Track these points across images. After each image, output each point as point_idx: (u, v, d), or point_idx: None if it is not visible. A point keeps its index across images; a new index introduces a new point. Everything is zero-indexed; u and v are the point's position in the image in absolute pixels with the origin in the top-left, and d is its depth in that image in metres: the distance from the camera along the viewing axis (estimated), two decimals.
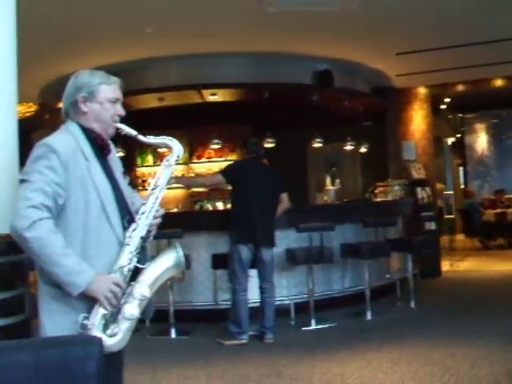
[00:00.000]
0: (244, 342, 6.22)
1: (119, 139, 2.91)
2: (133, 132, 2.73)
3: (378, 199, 10.30)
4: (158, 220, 2.73)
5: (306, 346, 6.08)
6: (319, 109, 10.58)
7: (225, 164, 12.27)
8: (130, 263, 2.56)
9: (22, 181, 2.49)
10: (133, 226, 2.62)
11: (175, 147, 2.78)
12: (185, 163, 12.33)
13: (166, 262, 2.68)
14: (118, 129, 2.72)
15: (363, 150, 12.49)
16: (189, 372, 5.37)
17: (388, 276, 8.58)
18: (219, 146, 11.90)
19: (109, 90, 2.70)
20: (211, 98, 9.55)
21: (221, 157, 12.42)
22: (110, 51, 8.41)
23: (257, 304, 6.51)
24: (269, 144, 11.10)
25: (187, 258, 6.57)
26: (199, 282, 7.38)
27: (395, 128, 11.62)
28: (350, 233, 8.07)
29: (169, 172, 2.75)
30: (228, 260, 6.37)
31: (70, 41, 7.72)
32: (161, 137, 2.78)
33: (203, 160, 12.59)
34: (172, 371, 5.42)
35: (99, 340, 1.83)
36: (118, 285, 2.50)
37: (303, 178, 13.42)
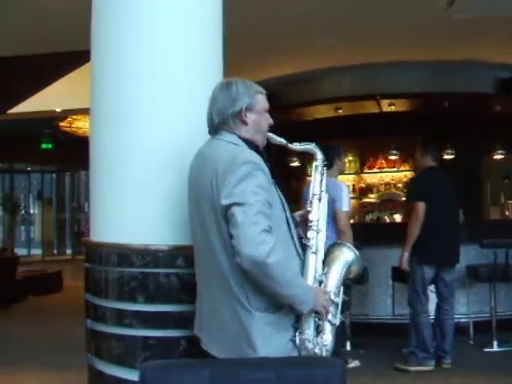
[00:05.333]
0: (431, 368, 5.78)
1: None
2: (283, 141, 2.76)
3: None
4: None
5: (491, 372, 5.71)
6: (501, 119, 10.10)
7: (396, 175, 12.19)
8: (322, 272, 2.60)
9: (234, 204, 2.36)
10: (311, 233, 2.64)
11: (317, 151, 2.80)
12: (356, 173, 12.25)
13: (343, 261, 2.69)
14: (267, 138, 2.74)
15: None
16: None
17: None
18: (397, 157, 11.70)
19: (264, 99, 2.68)
20: (388, 108, 9.43)
21: (393, 167, 12.19)
22: (286, 63, 8.55)
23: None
24: (448, 155, 10.74)
25: (365, 270, 6.50)
26: (375, 294, 7.28)
27: None
28: None
29: (321, 176, 2.78)
30: (408, 280, 6.02)
31: (248, 51, 7.91)
32: (304, 143, 2.82)
33: (374, 170, 12.43)
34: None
35: (342, 362, 1.82)
36: (326, 293, 2.55)
37: (478, 190, 12.84)
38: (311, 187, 2.78)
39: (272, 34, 7.31)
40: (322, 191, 2.75)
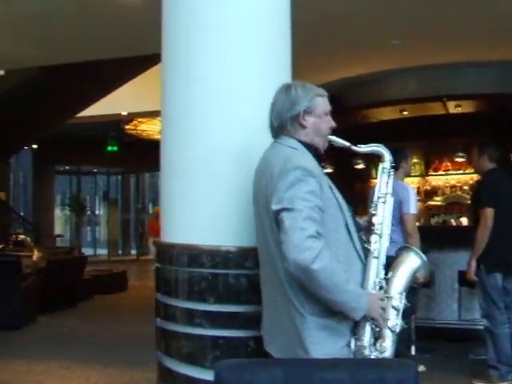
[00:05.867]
0: (510, 382, 5.39)
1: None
2: (346, 143, 2.69)
3: None
4: None
5: None
6: None
7: (462, 177, 11.97)
8: (383, 277, 2.55)
9: (284, 209, 2.38)
10: (373, 237, 2.60)
11: (385, 153, 2.72)
12: (421, 175, 12.07)
13: (409, 266, 2.63)
14: (329, 141, 2.68)
15: None
16: None
17: None
18: (463, 159, 11.49)
19: (324, 102, 2.65)
20: (455, 110, 9.29)
21: (458, 169, 11.96)
22: (352, 65, 8.52)
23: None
24: None
25: (431, 274, 6.40)
26: (442, 299, 7.17)
27: None
28: None
29: (388, 178, 2.71)
30: (479, 290, 5.65)
31: (314, 54, 7.91)
32: (370, 145, 2.73)
33: (440, 173, 12.22)
34: None
35: (414, 365, 1.82)
36: (383, 300, 2.50)
37: None
38: (376, 189, 2.72)
39: (338, 36, 7.31)
40: (387, 194, 2.68)
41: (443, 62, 8.51)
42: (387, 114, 9.60)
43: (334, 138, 2.68)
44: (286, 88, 2.65)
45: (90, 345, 7.12)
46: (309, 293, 2.39)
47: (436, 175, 12.22)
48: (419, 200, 11.70)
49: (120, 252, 22.16)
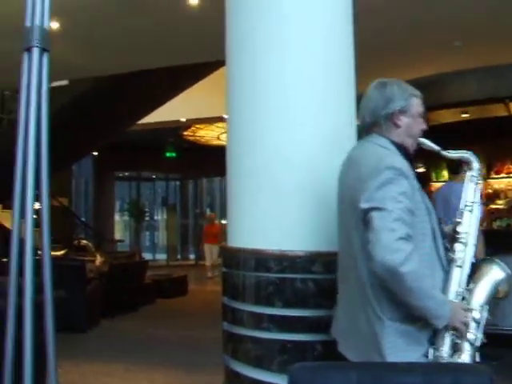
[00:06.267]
0: None
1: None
2: (436, 147, 2.63)
3: None
4: None
5: None
6: None
7: None
8: (466, 287, 2.48)
9: (373, 208, 2.32)
10: (458, 246, 2.52)
11: (474, 160, 2.65)
12: (483, 178, 11.84)
13: (492, 278, 2.56)
14: (418, 144, 2.63)
15: None
16: None
17: None
18: None
19: (419, 103, 2.59)
20: None
21: None
22: (412, 66, 8.44)
23: None
24: None
25: None
26: (505, 304, 7.00)
27: None
28: None
29: (476, 186, 2.62)
30: None
31: (376, 56, 7.87)
32: (459, 151, 2.67)
33: (502, 175, 11.97)
34: None
35: (489, 370, 1.79)
36: (466, 310, 2.43)
37: None
38: (463, 197, 2.63)
39: (401, 39, 7.27)
40: (474, 202, 2.60)
41: (505, 63, 8.36)
42: (448, 116, 9.48)
43: (424, 140, 2.65)
44: (381, 85, 2.60)
45: (154, 348, 7.22)
46: (391, 296, 2.35)
47: (498, 178, 11.97)
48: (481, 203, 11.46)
49: (179, 257, 22.37)
